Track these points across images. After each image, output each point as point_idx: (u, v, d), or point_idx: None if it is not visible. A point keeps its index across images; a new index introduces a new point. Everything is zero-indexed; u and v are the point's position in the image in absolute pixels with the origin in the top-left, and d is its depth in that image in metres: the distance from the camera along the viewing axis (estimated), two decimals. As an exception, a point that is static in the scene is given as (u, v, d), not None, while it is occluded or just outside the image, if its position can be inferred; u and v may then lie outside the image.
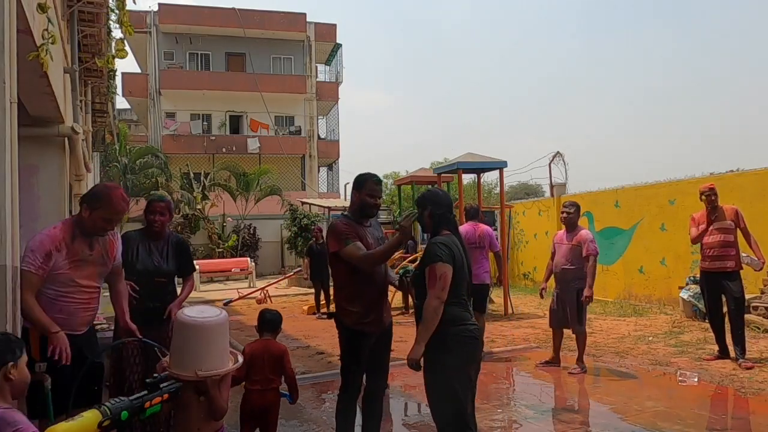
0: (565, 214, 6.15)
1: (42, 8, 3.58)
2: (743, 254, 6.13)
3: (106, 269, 3.28)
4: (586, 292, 5.82)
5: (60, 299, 3.02)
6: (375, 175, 3.65)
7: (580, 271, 5.90)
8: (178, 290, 4.06)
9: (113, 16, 5.65)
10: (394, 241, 3.33)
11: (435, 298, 2.95)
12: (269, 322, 3.75)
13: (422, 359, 3.02)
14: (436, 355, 2.99)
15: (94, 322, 3.85)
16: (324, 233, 11.48)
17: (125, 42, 6.08)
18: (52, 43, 3.72)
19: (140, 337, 3.29)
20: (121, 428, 2.04)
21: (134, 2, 4.98)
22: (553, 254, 6.26)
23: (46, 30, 3.66)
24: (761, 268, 6.14)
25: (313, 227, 18.06)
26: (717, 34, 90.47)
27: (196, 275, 16.22)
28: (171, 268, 3.91)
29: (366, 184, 3.56)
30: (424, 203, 3.28)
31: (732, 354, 6.14)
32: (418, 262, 3.35)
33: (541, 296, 6.41)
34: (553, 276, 6.26)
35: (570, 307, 5.97)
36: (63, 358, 2.87)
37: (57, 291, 3.01)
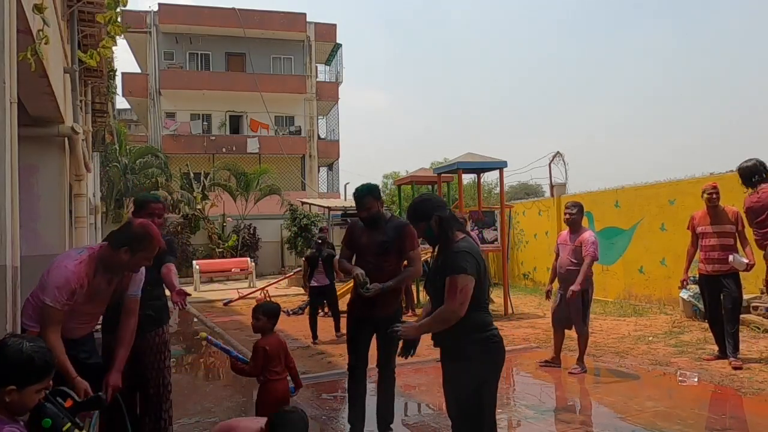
0: (567, 215, 6.12)
1: (38, 9, 3.57)
2: (731, 254, 6.00)
3: (116, 298, 3.22)
4: (573, 287, 5.79)
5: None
6: (359, 189, 4.08)
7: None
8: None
9: (99, 17, 5.63)
10: (352, 272, 3.92)
11: (452, 312, 2.80)
12: (275, 313, 3.91)
13: (447, 365, 2.97)
14: (462, 362, 2.88)
15: None
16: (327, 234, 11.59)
17: (115, 40, 6.06)
18: (46, 44, 3.70)
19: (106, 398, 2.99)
20: None
21: (124, 4, 4.93)
22: (557, 255, 6.25)
23: (41, 30, 3.64)
24: (746, 269, 5.96)
25: (314, 228, 18.10)
26: (717, 34, 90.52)
27: (195, 275, 16.48)
28: (157, 272, 3.78)
29: (355, 201, 4.11)
30: (428, 213, 3.00)
31: None
32: (432, 266, 3.19)
33: (547, 297, 6.40)
34: (557, 276, 6.25)
35: (574, 308, 5.96)
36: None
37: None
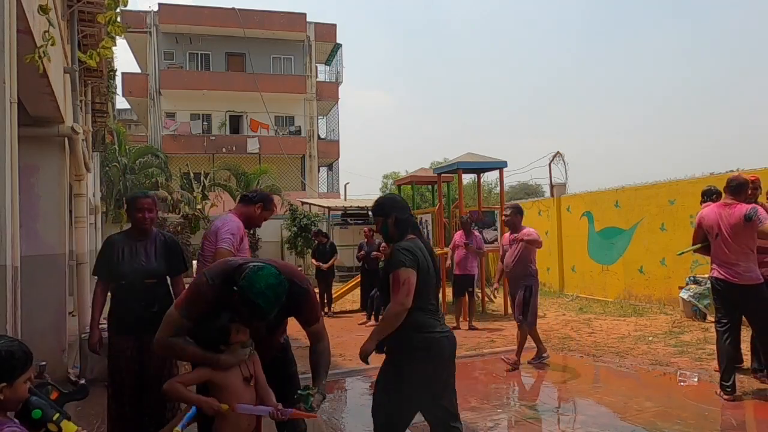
0: (504, 217, 6.67)
1: (43, 10, 3.57)
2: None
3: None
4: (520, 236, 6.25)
5: None
6: (264, 292, 2.27)
7: (526, 268, 6.27)
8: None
9: (100, 17, 5.62)
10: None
11: (398, 304, 2.91)
12: None
13: (391, 363, 3.04)
14: (400, 361, 2.98)
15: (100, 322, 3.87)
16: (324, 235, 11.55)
17: (115, 41, 6.05)
18: (52, 45, 3.71)
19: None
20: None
21: (125, 4, 4.93)
22: (502, 256, 6.65)
23: (47, 32, 3.65)
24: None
25: (314, 227, 18.11)
26: (718, 36, 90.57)
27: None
28: (159, 268, 3.70)
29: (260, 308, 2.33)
30: (387, 211, 3.17)
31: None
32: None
33: (494, 297, 6.65)
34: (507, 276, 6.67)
35: (516, 302, 6.32)
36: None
37: None
